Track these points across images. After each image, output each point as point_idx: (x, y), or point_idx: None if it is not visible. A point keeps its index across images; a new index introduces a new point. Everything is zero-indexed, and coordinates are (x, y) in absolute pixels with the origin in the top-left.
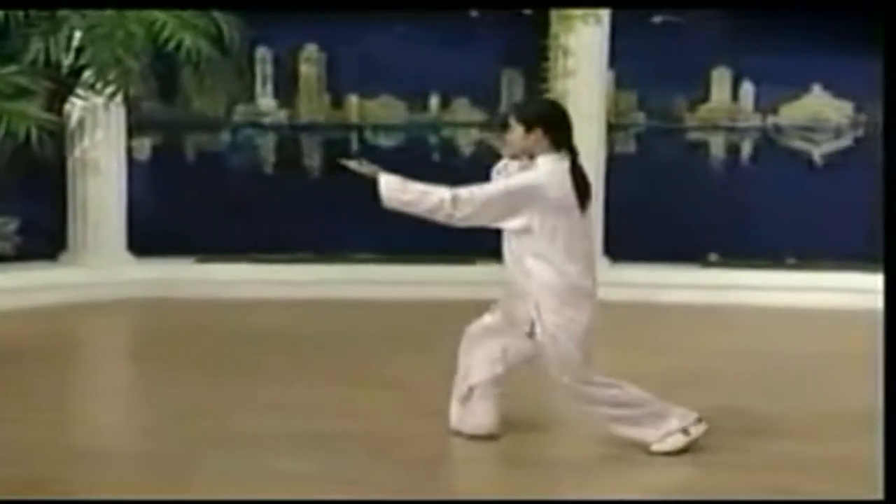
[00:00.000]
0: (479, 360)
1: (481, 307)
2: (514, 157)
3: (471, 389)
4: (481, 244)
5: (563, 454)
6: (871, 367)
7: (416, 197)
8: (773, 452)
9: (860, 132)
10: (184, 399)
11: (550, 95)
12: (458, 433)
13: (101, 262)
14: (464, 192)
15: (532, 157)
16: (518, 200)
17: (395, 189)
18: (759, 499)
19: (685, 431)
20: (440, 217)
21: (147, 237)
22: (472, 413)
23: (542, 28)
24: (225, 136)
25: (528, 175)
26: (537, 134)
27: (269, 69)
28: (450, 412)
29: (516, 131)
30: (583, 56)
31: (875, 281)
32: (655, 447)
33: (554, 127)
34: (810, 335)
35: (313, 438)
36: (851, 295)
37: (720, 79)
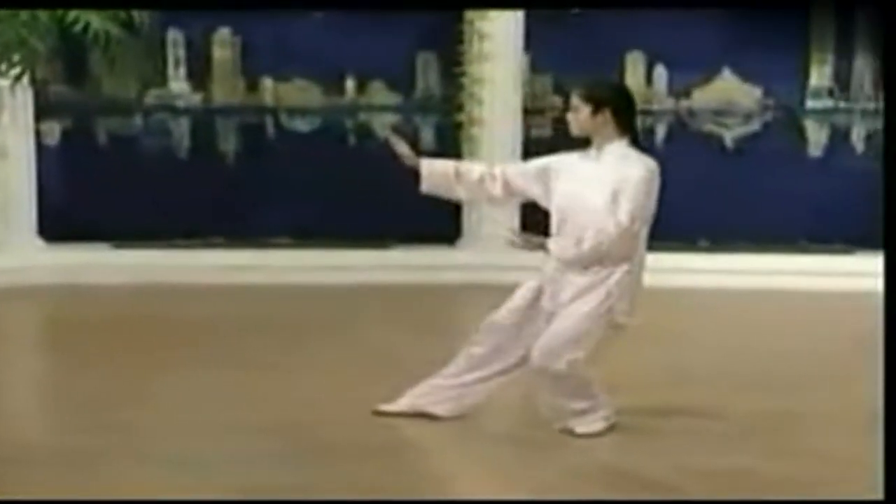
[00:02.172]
0: (507, 363)
1: (395, 291)
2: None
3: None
4: (394, 229)
5: (492, 436)
6: (792, 344)
7: (592, 245)
8: (684, 431)
9: (768, 116)
10: (97, 388)
11: (466, 79)
12: (419, 414)
13: (11, 248)
14: (632, 208)
15: (589, 138)
16: (653, 190)
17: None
18: (758, 498)
19: (606, 419)
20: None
21: (58, 223)
22: (450, 397)
23: (458, 12)
24: (137, 120)
25: (649, 163)
26: (605, 115)
27: (182, 52)
28: (421, 386)
29: (583, 112)
30: (498, 40)
31: (786, 262)
32: (580, 430)
33: (622, 109)
34: (724, 317)
35: (230, 427)
36: (762, 277)
37: (634, 63)
